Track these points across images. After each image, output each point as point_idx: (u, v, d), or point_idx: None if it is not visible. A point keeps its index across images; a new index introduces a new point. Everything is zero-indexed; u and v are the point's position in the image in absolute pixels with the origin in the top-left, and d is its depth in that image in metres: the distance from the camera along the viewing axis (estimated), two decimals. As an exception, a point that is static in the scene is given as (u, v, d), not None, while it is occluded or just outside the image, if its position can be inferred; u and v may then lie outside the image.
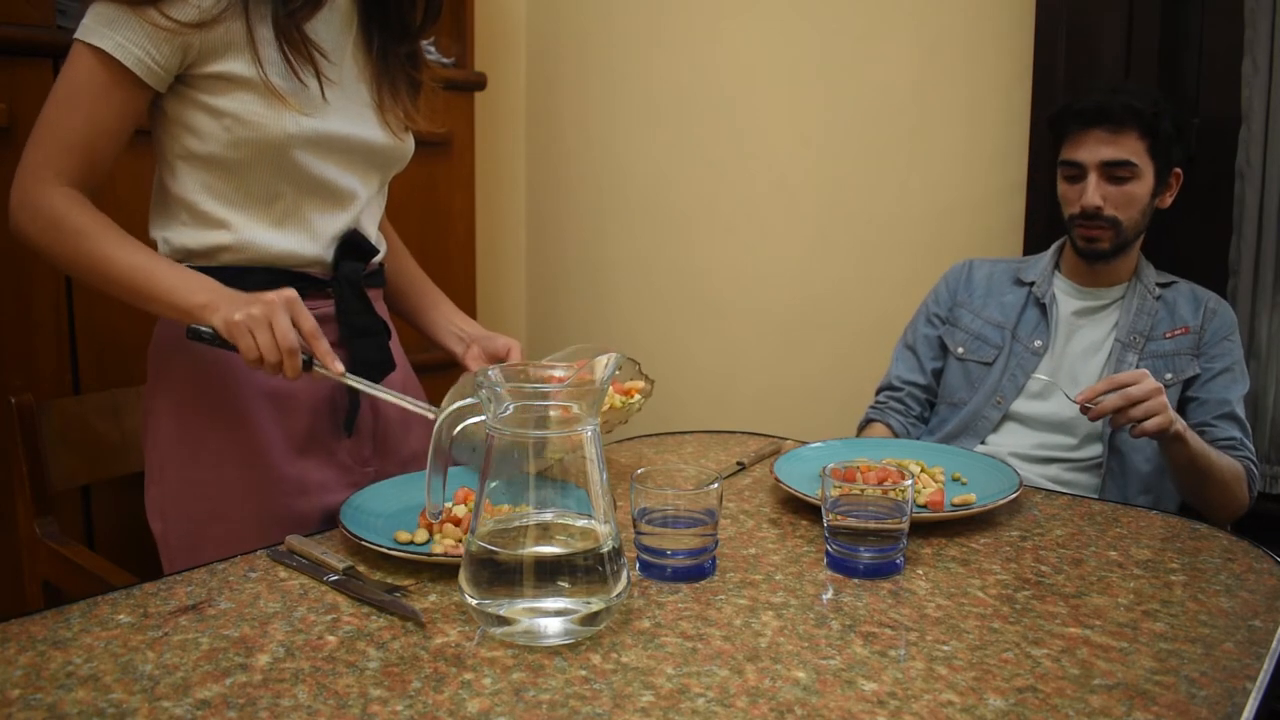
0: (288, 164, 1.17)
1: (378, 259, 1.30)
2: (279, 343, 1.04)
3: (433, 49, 2.23)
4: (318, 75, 1.16)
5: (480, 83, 2.29)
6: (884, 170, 2.12)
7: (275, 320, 1.04)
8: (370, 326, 1.26)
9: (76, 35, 1.09)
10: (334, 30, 1.21)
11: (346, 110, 1.21)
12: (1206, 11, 1.78)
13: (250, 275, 1.18)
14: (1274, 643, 0.84)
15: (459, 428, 0.88)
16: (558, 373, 0.88)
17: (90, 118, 1.10)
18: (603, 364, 0.83)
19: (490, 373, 0.83)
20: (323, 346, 1.08)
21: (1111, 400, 1.37)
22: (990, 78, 1.98)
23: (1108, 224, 1.57)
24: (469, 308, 2.35)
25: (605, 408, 1.09)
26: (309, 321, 1.07)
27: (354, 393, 1.24)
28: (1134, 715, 0.73)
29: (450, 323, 1.39)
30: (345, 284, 1.24)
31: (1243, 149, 1.71)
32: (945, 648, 0.82)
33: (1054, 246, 1.72)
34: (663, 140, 2.40)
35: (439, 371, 2.08)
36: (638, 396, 1.22)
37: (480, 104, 2.35)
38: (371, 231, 1.30)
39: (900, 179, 2.11)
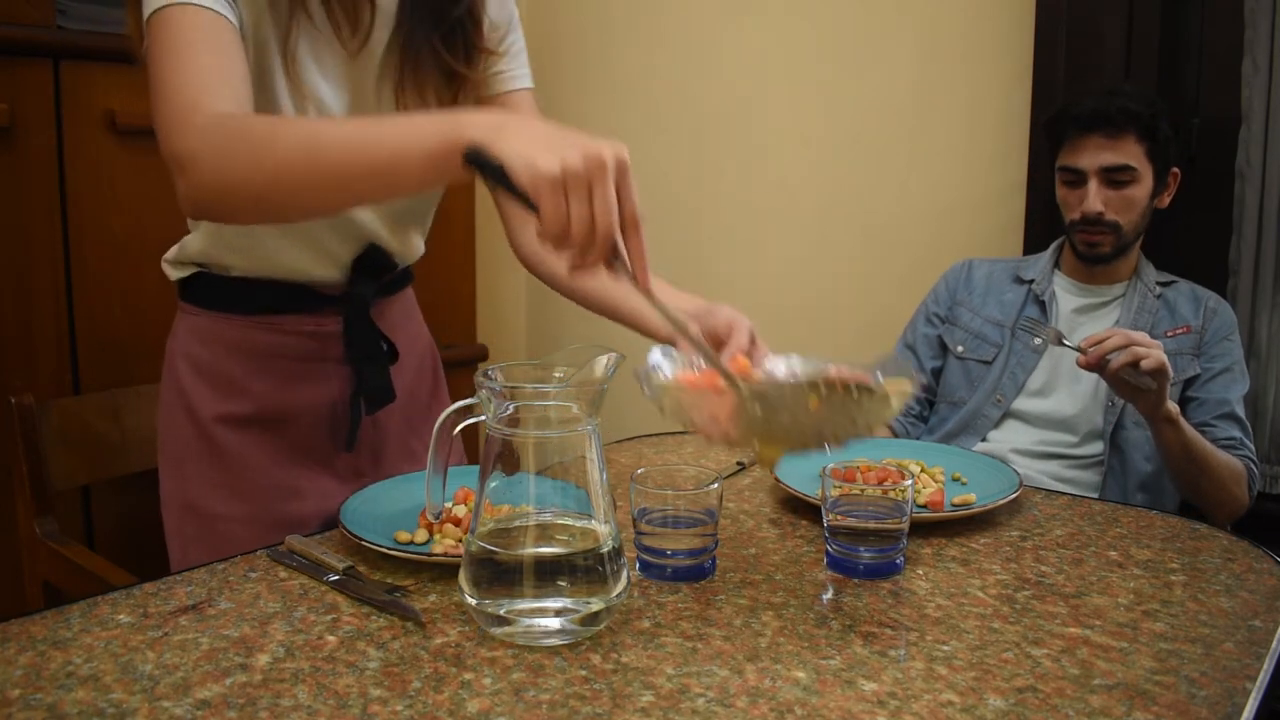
0: None
1: (399, 269, 1.26)
2: (596, 221, 0.77)
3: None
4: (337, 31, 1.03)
5: (480, 83, 2.28)
6: (884, 170, 2.12)
7: (599, 186, 0.77)
8: (373, 352, 1.22)
9: (153, 8, 0.94)
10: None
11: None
12: (1206, 11, 1.78)
13: (258, 287, 1.16)
14: (1274, 643, 0.84)
15: (459, 427, 0.88)
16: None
17: (220, 62, 0.94)
18: (603, 364, 0.83)
19: (490, 373, 0.83)
20: (640, 240, 0.81)
21: (1114, 340, 1.37)
22: (990, 78, 1.98)
23: (1109, 229, 1.57)
24: (469, 307, 2.34)
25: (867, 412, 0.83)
26: (633, 201, 0.80)
27: (356, 408, 1.21)
28: (1134, 715, 0.72)
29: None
30: (355, 304, 1.21)
31: (1243, 149, 1.71)
32: (945, 648, 0.82)
33: (1054, 245, 1.72)
34: (662, 141, 2.40)
35: (460, 367, 2.06)
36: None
37: (480, 104, 2.35)
38: (402, 243, 1.23)
39: (900, 179, 2.11)
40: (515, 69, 1.24)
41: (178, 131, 0.89)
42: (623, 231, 0.79)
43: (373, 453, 1.27)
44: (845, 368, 0.88)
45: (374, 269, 1.21)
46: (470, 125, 0.79)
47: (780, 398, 0.74)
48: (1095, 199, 1.57)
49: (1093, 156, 1.57)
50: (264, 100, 1.04)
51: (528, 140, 0.77)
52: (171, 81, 0.91)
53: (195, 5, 0.94)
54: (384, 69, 1.11)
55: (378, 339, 1.24)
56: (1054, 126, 1.64)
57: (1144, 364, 1.35)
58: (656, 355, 0.90)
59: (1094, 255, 1.61)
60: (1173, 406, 1.42)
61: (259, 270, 1.16)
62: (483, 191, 2.47)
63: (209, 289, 1.18)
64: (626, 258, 0.80)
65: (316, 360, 1.21)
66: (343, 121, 0.90)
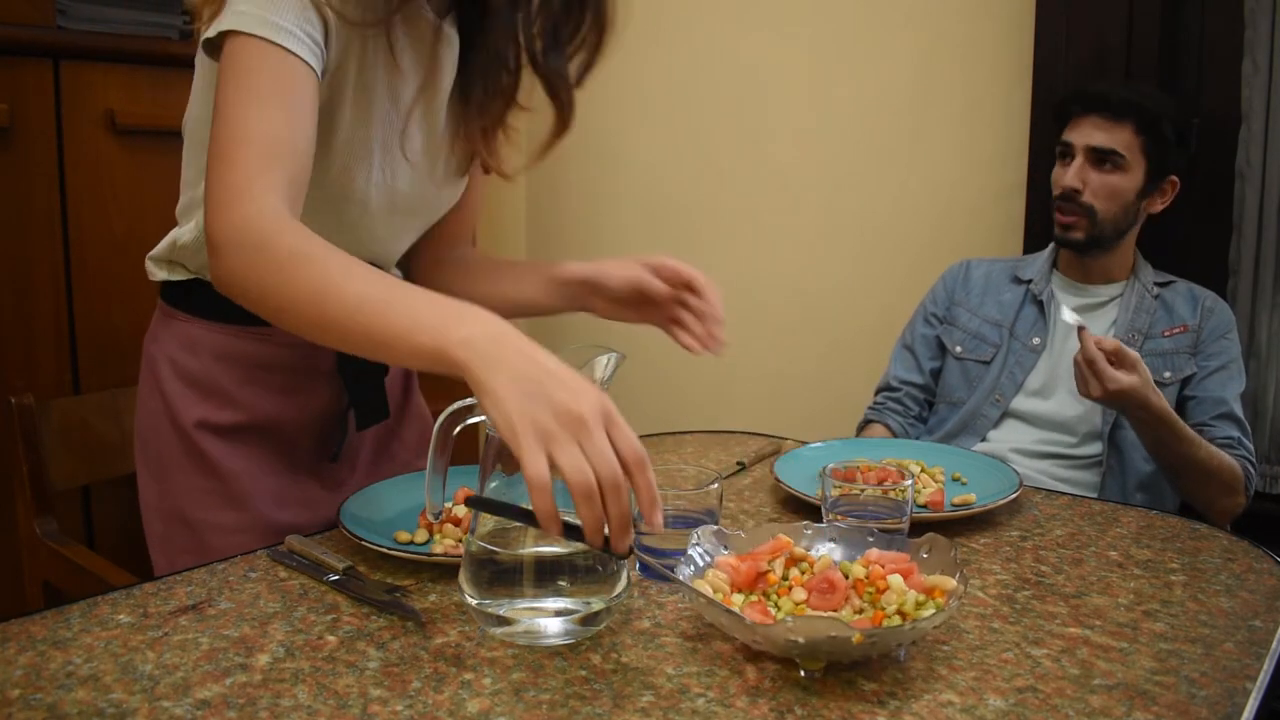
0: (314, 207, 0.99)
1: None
2: (597, 470, 0.71)
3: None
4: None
5: (480, 83, 2.28)
6: (884, 170, 2.12)
7: (585, 442, 0.71)
8: (366, 367, 1.18)
9: (230, 27, 0.91)
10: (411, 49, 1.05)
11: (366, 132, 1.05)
12: (1206, 11, 1.78)
13: None
14: (1274, 643, 0.84)
15: (459, 427, 0.88)
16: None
17: (290, 120, 0.91)
18: (603, 364, 0.83)
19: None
20: (647, 479, 0.74)
21: (1111, 342, 1.40)
22: (990, 78, 1.98)
23: (1083, 210, 1.58)
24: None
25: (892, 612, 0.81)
26: (630, 442, 0.73)
27: (345, 423, 1.20)
28: (1134, 715, 0.72)
29: (551, 275, 1.18)
30: None
31: (1243, 149, 1.71)
32: (945, 648, 0.82)
33: (1052, 245, 1.72)
34: (663, 140, 2.40)
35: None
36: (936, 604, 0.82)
37: (480, 104, 2.35)
38: (398, 262, 1.22)
39: (900, 179, 2.11)
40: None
41: (223, 212, 0.88)
42: (631, 471, 0.73)
43: (350, 460, 1.25)
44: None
45: None
46: (461, 344, 0.76)
47: (821, 641, 0.74)
48: (1075, 175, 1.58)
49: (1086, 134, 1.58)
50: (327, 126, 1.01)
51: (509, 380, 0.73)
52: (236, 134, 0.89)
53: (281, 48, 0.91)
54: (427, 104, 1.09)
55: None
56: (1061, 106, 1.66)
57: (1081, 392, 1.42)
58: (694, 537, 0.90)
59: (1067, 240, 1.61)
60: (1156, 410, 1.42)
61: None
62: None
63: (200, 296, 1.13)
64: (640, 504, 0.75)
65: (306, 372, 1.18)
66: (358, 277, 0.84)
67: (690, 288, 1.13)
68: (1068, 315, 1.49)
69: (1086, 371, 1.40)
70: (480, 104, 1.11)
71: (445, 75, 1.13)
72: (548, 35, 1.06)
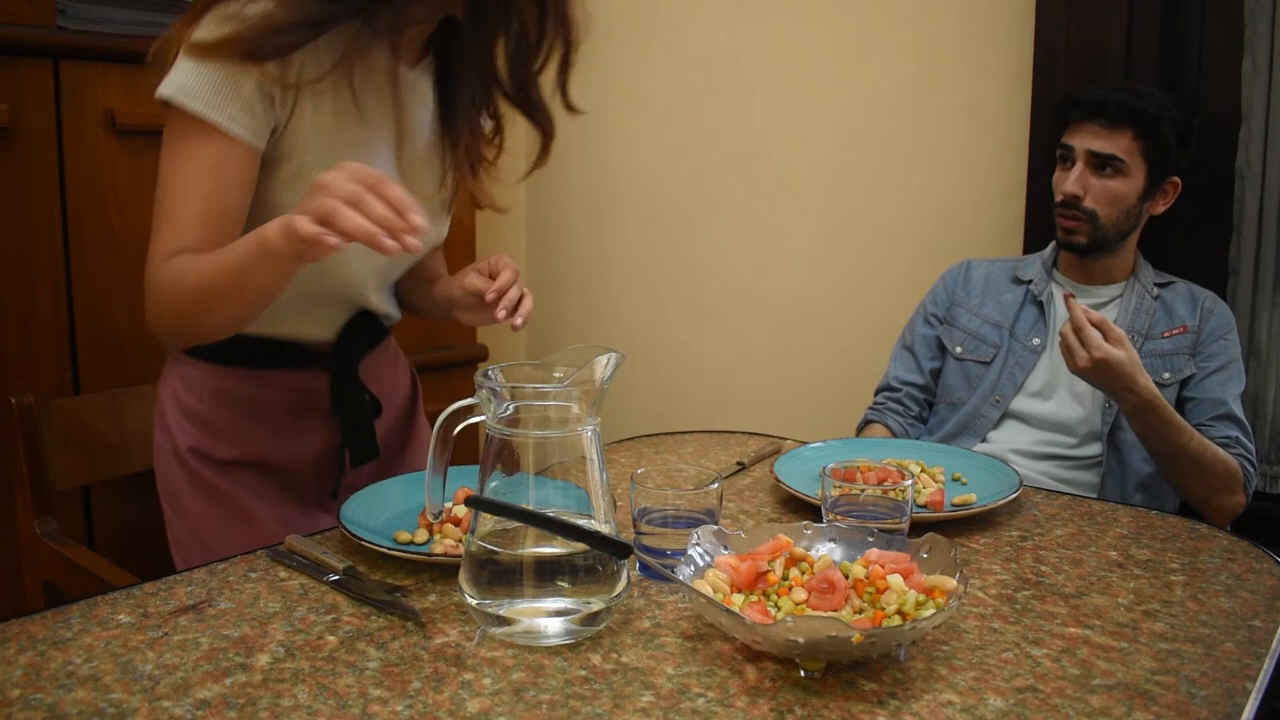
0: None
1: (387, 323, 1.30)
2: (374, 215, 0.86)
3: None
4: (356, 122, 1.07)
5: (480, 83, 2.28)
6: (884, 170, 2.12)
7: (356, 201, 0.87)
8: (359, 412, 1.24)
9: (171, 95, 1.00)
10: (380, 99, 1.12)
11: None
12: (1206, 11, 1.78)
13: (251, 342, 1.17)
14: (1274, 643, 0.84)
15: (459, 427, 0.88)
16: None
17: (208, 190, 1.01)
18: (603, 364, 0.83)
19: (490, 373, 0.83)
20: (392, 192, 0.89)
21: (1098, 315, 1.40)
22: (990, 78, 1.98)
23: (1085, 216, 1.58)
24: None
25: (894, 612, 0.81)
26: (394, 191, 0.88)
27: (342, 462, 1.25)
28: (1134, 715, 0.73)
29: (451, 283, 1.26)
30: (342, 362, 1.23)
31: (1243, 149, 1.71)
32: (945, 648, 0.82)
33: (1051, 245, 1.72)
34: (663, 140, 2.40)
35: (439, 371, 2.07)
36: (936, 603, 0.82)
37: (480, 104, 2.35)
38: (390, 305, 1.28)
39: (900, 179, 2.11)
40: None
41: (148, 273, 1.04)
42: (401, 213, 0.88)
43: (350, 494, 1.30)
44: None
45: (363, 330, 1.25)
46: (290, 219, 0.91)
47: (821, 641, 0.75)
48: (1076, 181, 1.57)
49: (1085, 140, 1.57)
50: (296, 182, 1.09)
51: (291, 225, 0.90)
52: (159, 218, 1.03)
53: (213, 127, 0.99)
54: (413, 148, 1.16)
55: (363, 396, 1.26)
56: (1060, 110, 1.65)
57: (1069, 366, 1.42)
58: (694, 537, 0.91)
59: (1070, 244, 1.61)
60: (1144, 391, 1.41)
61: (254, 330, 1.15)
62: (483, 191, 2.47)
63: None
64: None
65: (303, 413, 1.24)
66: (220, 260, 0.99)
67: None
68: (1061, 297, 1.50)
69: (1073, 340, 1.39)
70: (468, 146, 1.17)
71: (415, 120, 1.16)
72: (518, 68, 1.13)
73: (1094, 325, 1.39)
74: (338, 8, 1.00)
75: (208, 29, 0.99)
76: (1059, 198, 1.61)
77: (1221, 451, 1.49)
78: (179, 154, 1.02)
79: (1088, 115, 1.58)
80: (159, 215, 1.03)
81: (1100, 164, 1.56)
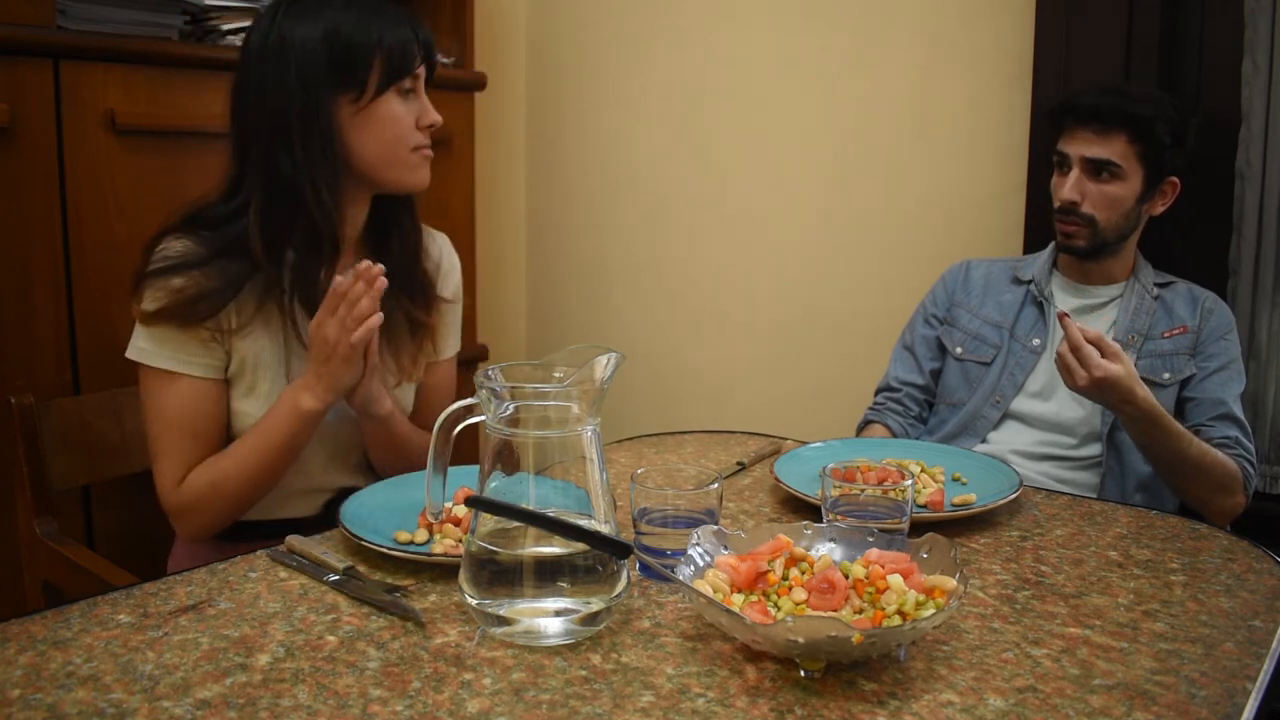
0: None
1: None
2: (358, 338, 1.15)
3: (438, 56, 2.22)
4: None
5: (480, 83, 2.28)
6: (884, 171, 2.12)
7: (346, 347, 1.15)
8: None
9: (135, 358, 1.20)
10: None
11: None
12: (1206, 11, 1.78)
13: (245, 525, 1.28)
14: (1274, 643, 0.84)
15: (459, 427, 0.88)
16: None
17: (186, 422, 1.21)
18: (603, 364, 0.83)
19: (490, 373, 0.83)
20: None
21: (1094, 332, 1.39)
22: (990, 77, 1.98)
23: (1084, 221, 1.57)
24: (469, 308, 2.34)
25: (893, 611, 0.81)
26: (358, 310, 1.15)
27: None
28: (1134, 715, 0.73)
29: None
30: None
31: (1243, 149, 1.71)
32: (945, 648, 0.82)
33: (1051, 245, 1.71)
34: (663, 140, 2.40)
35: (460, 367, 2.07)
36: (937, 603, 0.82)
37: (480, 104, 2.35)
38: (354, 478, 1.35)
39: (900, 179, 2.11)
40: (452, 341, 1.47)
41: (167, 499, 1.23)
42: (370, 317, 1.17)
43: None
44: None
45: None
46: (301, 401, 1.19)
47: (821, 641, 0.74)
48: (1073, 188, 1.57)
49: (1080, 146, 1.57)
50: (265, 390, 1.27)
51: (314, 386, 1.19)
52: (154, 453, 1.23)
53: (176, 374, 1.20)
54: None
55: None
56: (1054, 115, 1.64)
57: (1067, 384, 1.41)
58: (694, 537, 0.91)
59: (1069, 248, 1.61)
60: (1143, 403, 1.40)
61: (251, 515, 1.28)
62: (483, 191, 2.47)
63: None
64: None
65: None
66: (240, 445, 1.21)
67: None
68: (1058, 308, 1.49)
69: (1072, 360, 1.39)
70: (408, 349, 1.34)
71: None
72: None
73: (1091, 342, 1.38)
74: (239, 270, 1.20)
75: (149, 302, 1.18)
76: (1057, 204, 1.61)
77: (1220, 455, 1.48)
78: (155, 399, 1.21)
79: (1081, 121, 1.57)
80: (154, 451, 1.23)
81: (1096, 169, 1.56)
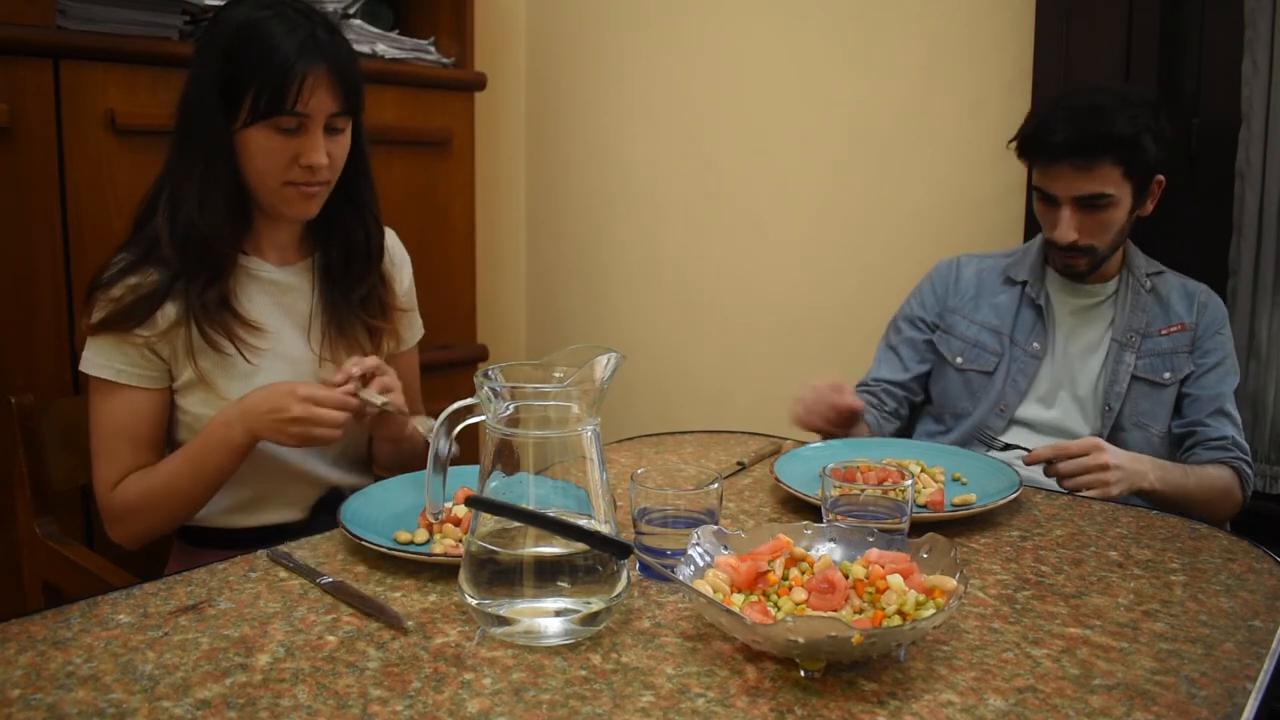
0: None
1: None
2: (333, 424, 1.17)
3: (432, 49, 2.22)
4: (234, 343, 1.24)
5: (480, 83, 2.28)
6: (884, 170, 2.12)
7: (299, 431, 1.17)
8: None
9: (84, 369, 1.23)
10: (269, 303, 1.29)
11: (284, 375, 1.27)
12: (1206, 11, 1.78)
13: (228, 532, 1.30)
14: (1274, 643, 0.84)
15: (459, 427, 0.88)
16: None
17: (123, 429, 1.23)
18: (603, 364, 0.83)
19: (490, 373, 0.83)
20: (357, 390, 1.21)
21: (1044, 451, 1.35)
22: (990, 78, 1.98)
23: (1084, 252, 1.54)
24: (469, 308, 2.35)
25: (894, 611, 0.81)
26: (326, 392, 1.18)
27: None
28: (1134, 715, 0.73)
29: None
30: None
31: (1243, 149, 1.71)
32: (945, 648, 0.82)
33: (1039, 238, 1.66)
34: (663, 140, 2.40)
35: (439, 371, 2.07)
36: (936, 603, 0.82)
37: (480, 104, 2.35)
38: (354, 483, 1.34)
39: (900, 179, 2.11)
40: (414, 331, 1.48)
41: (100, 500, 1.26)
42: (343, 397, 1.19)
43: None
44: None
45: (330, 506, 1.28)
46: (236, 435, 1.20)
47: (821, 641, 0.74)
48: (1068, 228, 1.50)
49: (1067, 185, 1.49)
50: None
51: (263, 427, 1.19)
52: (95, 456, 1.25)
53: (118, 384, 1.22)
54: (320, 331, 1.34)
55: None
56: (1025, 149, 1.55)
57: (1098, 491, 1.33)
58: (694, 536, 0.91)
59: (1070, 273, 1.58)
60: (1150, 478, 1.38)
61: (231, 523, 1.30)
62: (483, 191, 2.48)
63: (184, 528, 1.32)
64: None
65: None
66: (171, 461, 1.23)
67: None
68: (1015, 458, 1.44)
69: (1087, 478, 1.33)
70: (369, 334, 1.37)
71: (307, 312, 1.33)
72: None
73: (1058, 452, 1.34)
74: (164, 276, 1.22)
75: (95, 313, 1.22)
76: (1050, 239, 1.55)
77: (1217, 472, 1.48)
78: (96, 408, 1.24)
79: (1060, 157, 1.48)
80: (92, 453, 1.25)
81: (1087, 203, 1.49)
